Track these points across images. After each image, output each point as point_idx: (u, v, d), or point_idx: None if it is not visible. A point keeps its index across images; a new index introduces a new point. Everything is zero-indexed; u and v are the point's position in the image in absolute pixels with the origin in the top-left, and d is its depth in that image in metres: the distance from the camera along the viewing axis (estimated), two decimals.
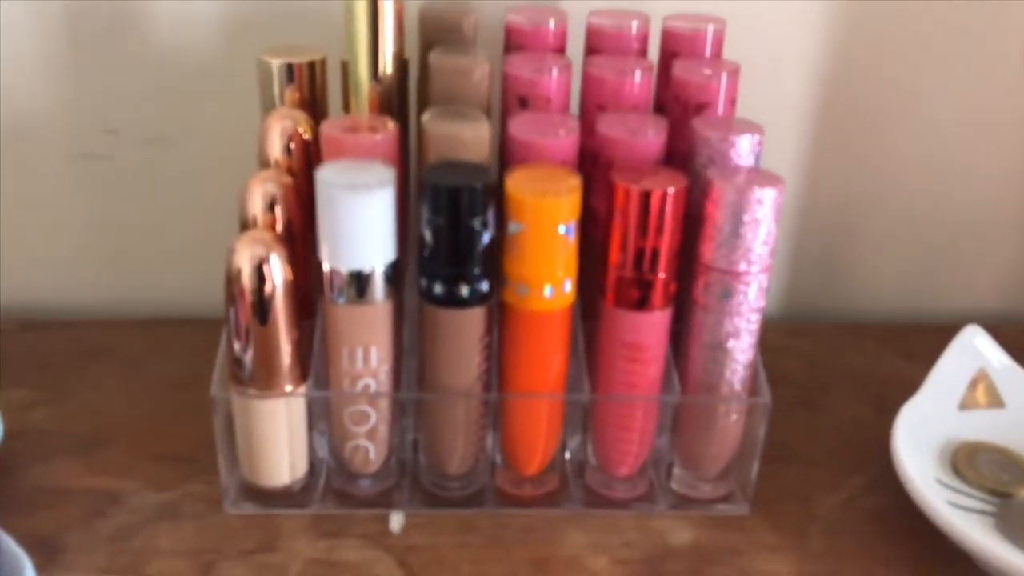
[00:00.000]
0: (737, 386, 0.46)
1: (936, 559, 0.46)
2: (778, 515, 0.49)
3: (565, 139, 0.45)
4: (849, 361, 0.63)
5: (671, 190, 0.42)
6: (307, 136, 0.48)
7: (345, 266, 0.43)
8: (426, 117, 0.45)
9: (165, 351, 0.59)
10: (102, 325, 0.62)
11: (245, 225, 0.46)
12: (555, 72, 0.48)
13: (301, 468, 0.47)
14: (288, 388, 0.45)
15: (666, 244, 0.43)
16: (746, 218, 0.43)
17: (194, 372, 0.56)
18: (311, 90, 0.52)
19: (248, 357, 0.44)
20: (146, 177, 0.62)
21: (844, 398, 0.58)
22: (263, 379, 0.44)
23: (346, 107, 0.53)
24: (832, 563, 0.46)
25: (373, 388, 0.45)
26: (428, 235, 0.43)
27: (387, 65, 0.48)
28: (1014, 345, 0.56)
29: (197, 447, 0.51)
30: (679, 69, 0.49)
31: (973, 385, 0.53)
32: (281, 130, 0.48)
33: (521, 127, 0.45)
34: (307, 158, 0.49)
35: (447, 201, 0.42)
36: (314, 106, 0.52)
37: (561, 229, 0.42)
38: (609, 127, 0.46)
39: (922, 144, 0.65)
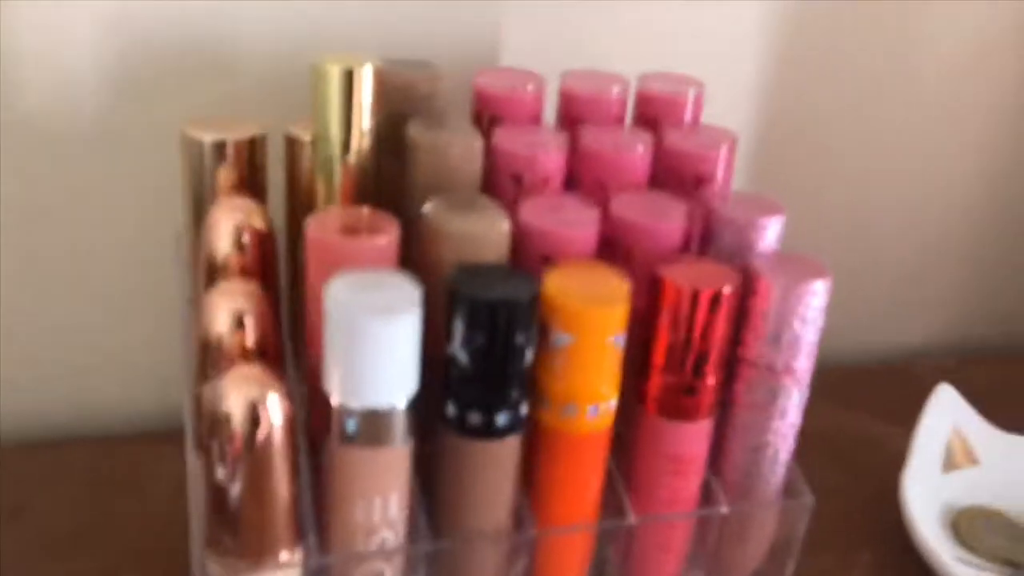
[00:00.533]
0: (776, 486, 0.43)
1: None
2: None
3: (589, 228, 0.39)
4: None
5: (727, 289, 0.38)
6: (263, 230, 0.40)
7: (361, 402, 0.35)
8: (431, 210, 0.38)
9: (50, 492, 0.48)
10: None
11: (205, 348, 0.37)
12: (554, 147, 0.42)
13: None
14: (285, 555, 0.36)
15: (718, 346, 0.39)
16: (799, 314, 0.39)
17: (97, 514, 0.46)
18: (251, 172, 0.43)
19: (238, 522, 0.35)
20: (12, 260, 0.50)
21: (818, 466, 0.57)
22: (256, 546, 0.35)
23: (292, 190, 0.45)
24: None
25: (390, 542, 0.37)
26: (463, 357, 0.35)
27: (363, 142, 0.40)
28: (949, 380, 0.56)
29: None
30: (673, 140, 0.45)
31: (951, 447, 0.53)
32: (232, 224, 0.39)
33: (535, 215, 0.39)
34: (263, 257, 0.40)
35: (489, 317, 0.35)
36: (254, 189, 0.43)
37: (612, 340, 0.37)
38: (627, 211, 0.41)
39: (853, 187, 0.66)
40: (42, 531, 0.45)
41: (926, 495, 0.49)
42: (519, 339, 0.35)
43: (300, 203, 0.44)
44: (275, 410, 0.34)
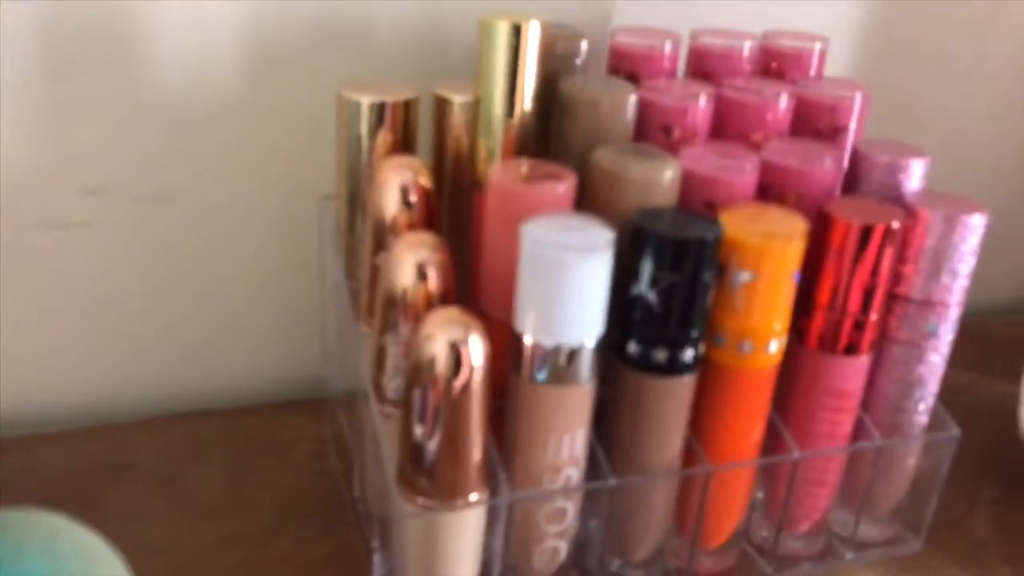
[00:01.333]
0: (924, 420, 0.44)
1: None
2: (946, 546, 0.47)
3: (750, 174, 0.40)
4: None
5: (895, 224, 0.39)
6: (428, 186, 0.41)
7: (554, 340, 0.36)
8: (606, 157, 0.39)
9: (196, 458, 0.48)
10: (107, 432, 0.49)
11: (391, 300, 0.38)
12: (702, 100, 0.43)
13: None
14: (475, 495, 0.37)
15: (884, 282, 0.40)
16: (958, 247, 0.40)
17: (241, 481, 0.47)
18: (405, 133, 0.44)
19: (435, 462, 0.36)
20: (140, 244, 0.51)
21: None
22: (451, 487, 0.36)
23: (439, 148, 0.45)
24: None
25: (575, 479, 0.38)
26: (652, 295, 0.37)
27: (527, 100, 0.41)
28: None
29: None
30: (809, 90, 0.46)
31: None
32: (400, 182, 0.40)
33: (696, 162, 0.40)
34: (428, 211, 0.41)
35: (678, 256, 0.36)
36: (407, 150, 0.44)
37: (791, 275, 0.38)
38: (779, 156, 0.42)
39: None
40: (195, 497, 0.46)
41: None
42: (705, 276, 0.37)
43: (449, 163, 0.45)
44: (477, 351, 0.35)
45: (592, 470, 0.39)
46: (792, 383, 0.42)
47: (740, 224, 0.37)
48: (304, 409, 0.52)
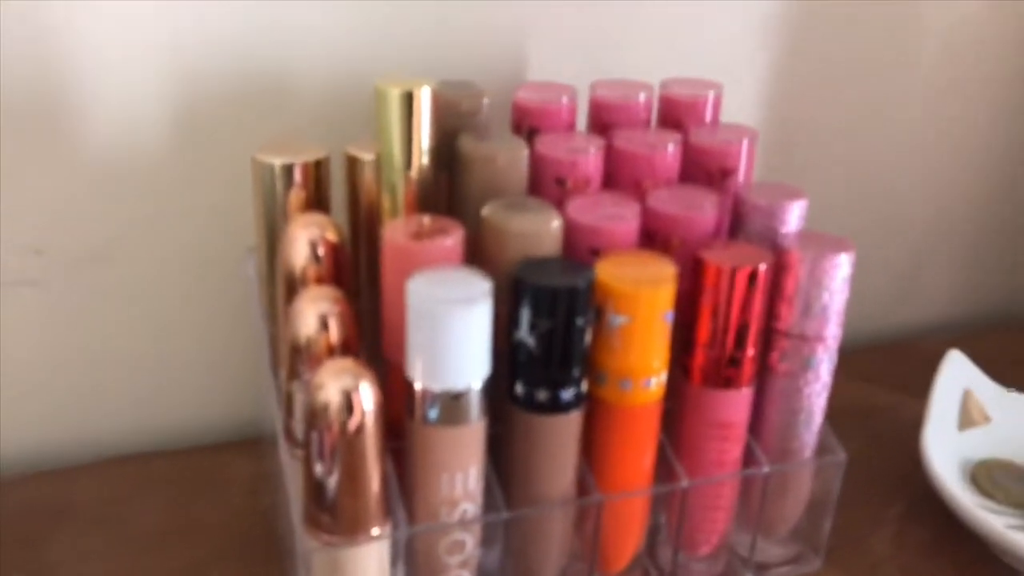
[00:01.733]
0: (811, 446, 0.47)
1: None
2: (845, 563, 0.50)
3: (632, 222, 0.43)
4: None
5: (762, 266, 0.42)
6: (336, 242, 0.44)
7: (441, 385, 0.39)
8: (492, 212, 0.42)
9: (135, 499, 0.51)
10: (50, 477, 0.53)
11: (296, 349, 0.41)
12: (593, 151, 0.46)
13: None
14: (376, 530, 0.40)
15: (755, 320, 0.43)
16: (827, 285, 0.43)
17: (179, 520, 0.49)
18: (317, 191, 0.47)
19: (335, 501, 0.39)
20: (83, 299, 0.54)
21: (843, 435, 0.60)
22: (351, 522, 0.39)
23: (354, 204, 0.49)
24: None
25: (471, 512, 0.41)
26: (531, 340, 0.40)
27: (423, 157, 0.44)
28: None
29: None
30: (698, 137, 0.49)
31: (965, 406, 0.57)
32: (308, 237, 0.43)
33: (581, 212, 0.43)
34: (337, 265, 0.44)
35: (553, 303, 0.39)
36: (319, 206, 0.47)
37: (663, 317, 0.41)
38: (662, 204, 0.45)
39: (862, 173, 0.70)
40: (133, 534, 0.49)
41: (945, 451, 0.53)
42: (580, 321, 0.40)
43: (363, 217, 0.48)
44: (367, 397, 0.38)
45: (491, 503, 0.42)
46: (681, 416, 0.45)
47: (615, 271, 0.40)
48: (245, 449, 0.55)
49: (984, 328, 0.78)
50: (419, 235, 0.41)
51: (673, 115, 0.52)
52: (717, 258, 0.42)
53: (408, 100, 0.43)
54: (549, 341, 0.39)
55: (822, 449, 0.47)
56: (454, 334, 0.38)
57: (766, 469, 0.46)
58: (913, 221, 0.74)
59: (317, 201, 0.47)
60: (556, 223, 0.42)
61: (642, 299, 0.40)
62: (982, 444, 0.56)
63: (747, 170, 0.49)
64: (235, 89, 0.52)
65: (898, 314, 0.76)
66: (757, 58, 0.63)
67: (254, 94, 0.52)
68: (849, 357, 0.70)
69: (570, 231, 0.43)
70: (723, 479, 0.45)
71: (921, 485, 0.52)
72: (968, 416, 0.57)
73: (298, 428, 0.42)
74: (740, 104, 0.63)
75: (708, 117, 0.52)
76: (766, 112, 0.65)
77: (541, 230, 0.42)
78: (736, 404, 0.44)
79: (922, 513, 0.53)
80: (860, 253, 0.72)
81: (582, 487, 0.43)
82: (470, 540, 0.42)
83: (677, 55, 0.60)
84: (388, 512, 0.41)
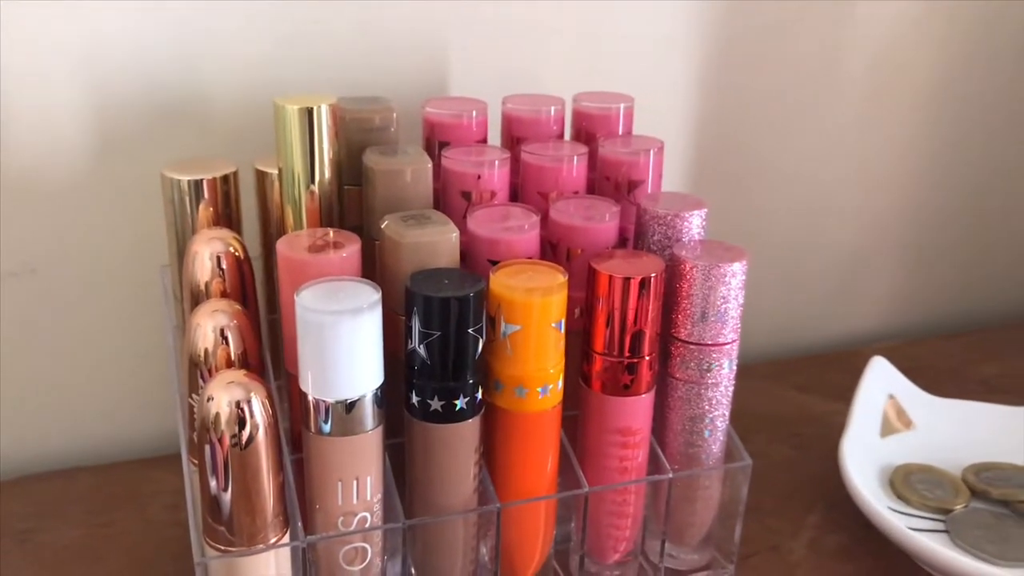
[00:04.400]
0: (717, 452, 0.47)
1: None
2: (761, 571, 0.50)
3: (530, 232, 0.44)
4: (751, 402, 0.66)
5: (654, 274, 0.42)
6: (239, 255, 0.45)
7: (334, 396, 0.39)
8: (389, 225, 0.43)
9: (55, 514, 0.52)
10: None
11: (195, 364, 0.42)
12: (497, 164, 0.47)
13: None
14: (274, 539, 0.41)
15: (650, 326, 0.43)
16: (721, 292, 0.44)
17: (101, 535, 0.50)
18: (226, 205, 0.48)
19: (230, 510, 0.39)
20: (9, 314, 0.54)
21: (764, 441, 0.61)
22: (248, 532, 0.40)
23: (264, 218, 0.49)
24: None
25: (369, 521, 0.42)
26: (422, 350, 0.40)
27: (325, 172, 0.45)
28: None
29: None
30: (606, 149, 0.50)
31: (887, 412, 0.58)
32: (211, 252, 0.44)
33: (481, 225, 0.44)
34: (241, 279, 0.45)
35: (442, 313, 0.40)
36: (229, 221, 0.48)
37: (554, 325, 0.41)
38: (563, 215, 0.46)
39: (797, 185, 0.71)
40: (50, 550, 0.49)
41: (864, 458, 0.54)
42: (470, 330, 0.40)
43: (273, 230, 0.49)
44: (258, 409, 0.38)
45: (392, 512, 0.43)
46: (583, 423, 0.45)
47: (507, 280, 0.41)
48: (168, 463, 0.56)
49: (922, 333, 0.79)
50: (314, 248, 0.42)
51: (586, 128, 0.53)
52: (611, 267, 0.43)
53: (308, 116, 0.44)
54: (441, 350, 0.40)
55: (729, 454, 0.48)
56: (341, 344, 0.39)
57: (670, 475, 0.46)
58: (848, 228, 0.74)
59: (227, 216, 0.48)
60: (453, 235, 0.43)
61: (533, 307, 0.41)
62: (903, 450, 0.56)
63: (655, 181, 0.50)
64: (149, 104, 0.53)
65: (835, 324, 0.77)
66: (678, 68, 0.64)
67: (167, 108, 0.53)
68: (786, 366, 0.71)
69: (469, 243, 0.44)
70: (624, 485, 0.46)
71: (841, 491, 0.53)
72: (890, 422, 0.57)
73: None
74: (665, 117, 0.64)
75: (620, 129, 0.53)
76: (696, 123, 0.66)
77: (437, 241, 0.42)
78: (635, 410, 0.45)
79: (840, 519, 0.53)
80: (796, 262, 0.73)
81: (484, 496, 0.44)
82: (371, 549, 0.42)
83: (594, 68, 0.61)
84: (287, 523, 0.41)
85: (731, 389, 0.46)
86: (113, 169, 0.54)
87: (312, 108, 0.44)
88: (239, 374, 0.39)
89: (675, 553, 0.49)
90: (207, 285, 0.44)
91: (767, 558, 0.51)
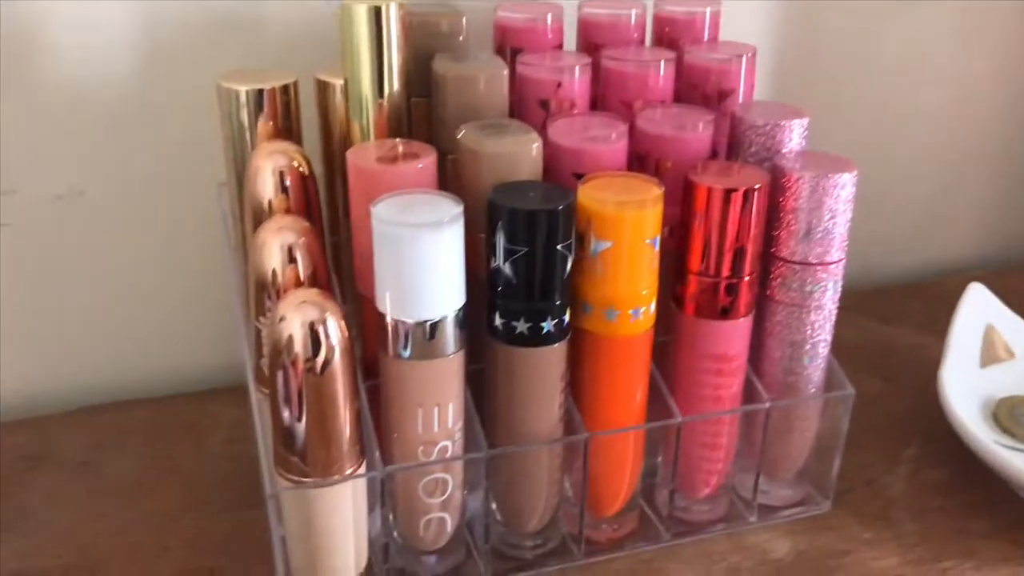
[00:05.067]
0: (817, 381, 0.44)
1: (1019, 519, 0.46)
2: (857, 506, 0.47)
3: (618, 143, 0.41)
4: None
5: (758, 185, 0.39)
6: (304, 171, 0.41)
7: (414, 316, 0.36)
8: (467, 135, 0.39)
9: (112, 446, 0.50)
10: (27, 426, 0.51)
11: (261, 284, 0.39)
12: (577, 71, 0.43)
13: (365, 557, 0.41)
14: (349, 469, 0.38)
15: (753, 244, 0.40)
16: (829, 207, 0.40)
17: (158, 467, 0.48)
18: (286, 118, 0.45)
19: (305, 441, 0.37)
20: (57, 240, 0.52)
21: (850, 373, 0.57)
22: (324, 462, 0.37)
23: (326, 132, 0.46)
24: (932, 546, 0.45)
25: (450, 451, 0.39)
26: (507, 268, 0.37)
27: (394, 79, 0.41)
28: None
29: (211, 556, 0.43)
30: (693, 56, 0.46)
31: (986, 342, 0.54)
32: (273, 167, 0.41)
33: (564, 135, 0.40)
34: (306, 196, 0.42)
35: (529, 227, 0.36)
36: (290, 135, 0.45)
37: (649, 242, 0.38)
38: (652, 124, 0.42)
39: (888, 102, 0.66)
40: (109, 482, 0.47)
41: (965, 389, 0.50)
42: (559, 246, 0.37)
43: (335, 144, 0.45)
44: (333, 329, 0.36)
45: (473, 441, 0.40)
46: (674, 349, 0.42)
47: (597, 194, 0.38)
48: (225, 396, 0.53)
49: (1012, 265, 0.74)
50: (388, 159, 0.39)
51: (668, 34, 0.49)
52: (709, 179, 0.39)
53: (376, 17, 0.40)
54: (527, 268, 0.37)
55: (829, 384, 0.45)
56: (422, 261, 0.35)
57: (767, 405, 0.43)
58: (938, 154, 0.70)
59: (287, 131, 0.45)
60: (535, 145, 0.39)
61: (626, 222, 0.37)
62: (1005, 381, 0.53)
63: (747, 90, 0.46)
64: (199, 11, 0.49)
65: (922, 252, 0.73)
66: None
67: (222, 17, 0.50)
68: (870, 296, 0.67)
69: (551, 155, 0.40)
70: (720, 415, 0.43)
71: (939, 424, 0.49)
72: (991, 352, 0.54)
73: (265, 367, 0.40)
74: (749, 24, 0.60)
75: (706, 36, 0.49)
76: (774, 33, 0.61)
77: (519, 152, 0.39)
78: (733, 335, 0.41)
79: (939, 452, 0.50)
80: (884, 189, 0.69)
81: (570, 425, 0.41)
82: (451, 480, 0.40)
83: None
84: (363, 453, 0.39)
85: (835, 313, 0.43)
86: (163, 83, 0.50)
87: (380, 7, 0.40)
88: (312, 293, 0.36)
89: (767, 488, 0.46)
90: (270, 203, 0.41)
91: (862, 494, 0.48)
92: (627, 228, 0.37)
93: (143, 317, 0.55)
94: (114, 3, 0.48)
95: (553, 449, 0.41)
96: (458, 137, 0.40)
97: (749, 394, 0.44)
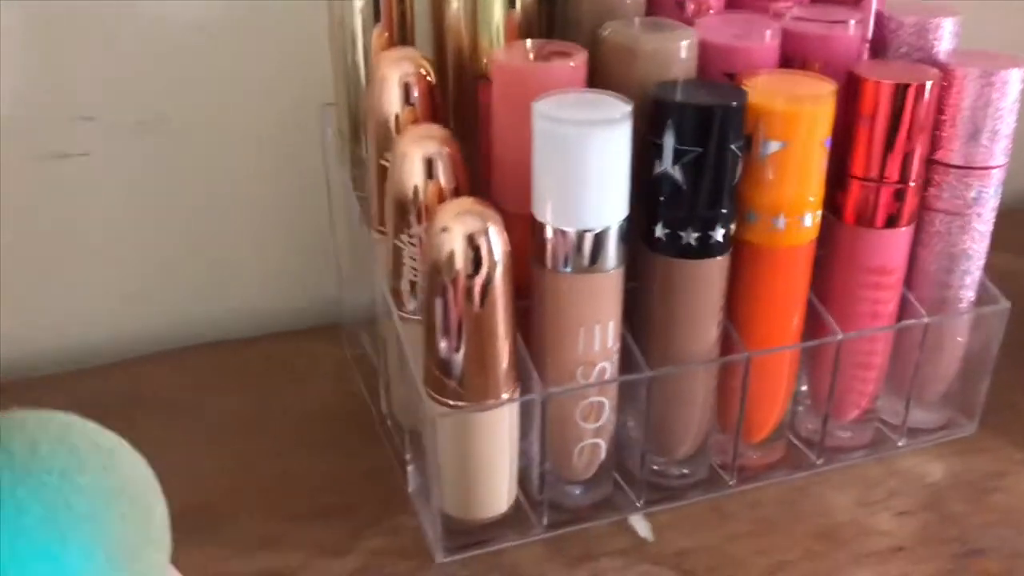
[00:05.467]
0: (971, 296, 0.42)
1: None
2: (1002, 427, 0.45)
3: (772, 41, 0.38)
4: None
5: (929, 81, 0.36)
6: (432, 79, 0.39)
7: (576, 226, 0.34)
8: (616, 31, 0.36)
9: (213, 387, 0.47)
10: (116, 370, 0.48)
11: (402, 200, 0.36)
12: None
13: (514, 488, 0.38)
14: (506, 392, 0.35)
15: (921, 146, 0.37)
16: (997, 104, 0.38)
17: (263, 405, 0.45)
18: (401, 28, 0.42)
19: (463, 361, 0.34)
20: (140, 171, 0.49)
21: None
22: (482, 387, 0.35)
23: (439, 40, 0.43)
24: None
25: (608, 372, 0.37)
26: (676, 172, 0.34)
27: None
28: None
29: (340, 493, 0.40)
30: None
31: None
32: (400, 77, 0.38)
33: (712, 32, 0.38)
34: (433, 106, 0.39)
35: (702, 125, 0.34)
36: (404, 43, 0.42)
37: (823, 142, 0.36)
38: (798, 23, 0.39)
39: None
40: (211, 422, 0.45)
41: None
42: (734, 146, 0.34)
43: (453, 55, 0.42)
44: (496, 242, 0.33)
45: (626, 363, 0.37)
46: (830, 262, 0.40)
47: (765, 91, 0.35)
48: (323, 335, 0.50)
49: None
50: (537, 58, 0.36)
51: None
52: (876, 74, 0.37)
53: None
54: (698, 171, 0.34)
55: (981, 299, 0.42)
56: (592, 163, 0.33)
57: (926, 320, 0.41)
58: None
59: (402, 42, 0.42)
60: (689, 42, 0.36)
61: (801, 120, 0.35)
62: None
63: None
64: None
65: None
66: None
67: None
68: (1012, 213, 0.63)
69: (702, 52, 0.37)
70: (880, 331, 0.40)
71: None
72: None
73: (405, 289, 0.38)
74: None
75: None
76: None
77: (673, 49, 0.36)
78: (895, 246, 0.39)
79: None
80: None
81: (725, 344, 0.39)
82: (608, 403, 0.37)
83: None
84: (518, 375, 0.36)
85: (993, 222, 0.41)
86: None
87: None
88: (471, 203, 0.34)
89: (912, 411, 0.44)
90: (397, 117, 0.38)
91: (1006, 416, 0.46)
92: (802, 127, 0.35)
93: (230, 251, 0.52)
94: None
95: (709, 370, 0.38)
96: (604, 34, 0.37)
97: (901, 310, 0.41)
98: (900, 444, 0.43)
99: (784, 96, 0.35)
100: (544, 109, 0.33)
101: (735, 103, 0.34)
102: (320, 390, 0.47)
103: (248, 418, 0.45)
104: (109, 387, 0.46)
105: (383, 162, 0.39)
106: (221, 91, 0.48)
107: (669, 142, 0.34)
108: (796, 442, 0.43)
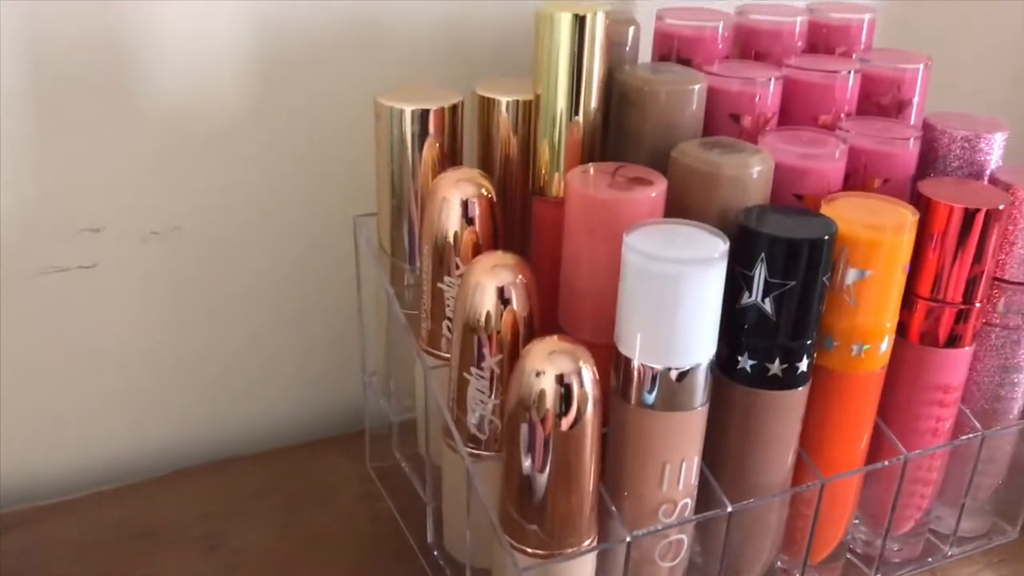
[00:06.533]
0: (1018, 407, 0.42)
1: None
2: None
3: (839, 161, 0.37)
4: None
5: (1001, 205, 0.36)
6: (492, 198, 0.37)
7: (665, 363, 0.32)
8: (688, 153, 0.35)
9: (233, 513, 0.44)
10: (126, 495, 0.44)
11: (472, 330, 0.34)
12: (772, 82, 0.40)
13: None
14: (587, 538, 0.34)
15: (987, 268, 0.37)
16: None
17: (290, 537, 0.43)
18: (452, 141, 0.40)
19: (546, 505, 0.32)
20: (148, 282, 0.45)
21: None
22: (568, 533, 0.33)
23: (485, 152, 0.41)
24: None
25: (690, 508, 0.35)
26: (767, 304, 0.33)
27: (592, 97, 0.37)
28: None
29: None
30: (869, 64, 0.43)
31: None
32: (461, 197, 0.36)
33: (777, 152, 0.37)
34: (493, 227, 0.37)
35: (793, 258, 0.33)
36: (454, 158, 0.40)
37: (904, 269, 0.35)
38: (860, 138, 0.39)
39: None
40: (243, 555, 0.41)
41: None
42: (823, 278, 0.33)
43: (500, 167, 0.41)
44: (588, 383, 0.31)
45: (702, 495, 0.36)
46: (894, 381, 0.39)
47: (846, 218, 0.34)
48: (340, 445, 0.48)
49: None
50: (616, 185, 0.34)
51: (824, 40, 0.46)
52: (945, 196, 0.36)
53: (580, 26, 0.36)
54: (788, 303, 0.33)
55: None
56: (687, 302, 0.31)
57: (984, 433, 0.41)
58: None
59: (452, 154, 0.40)
60: (765, 164, 0.35)
61: (884, 248, 0.34)
62: None
63: (921, 101, 0.43)
64: (320, 32, 0.44)
65: None
66: None
67: (343, 37, 0.45)
68: None
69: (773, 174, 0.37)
70: (943, 448, 0.40)
71: None
72: None
73: (471, 421, 0.36)
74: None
75: (861, 43, 0.46)
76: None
77: (756, 172, 0.35)
78: (959, 364, 0.39)
79: None
80: None
81: (797, 471, 0.38)
82: (685, 540, 0.36)
83: None
84: (599, 517, 0.34)
85: None
86: (276, 109, 0.45)
87: (584, 16, 0.36)
88: (560, 342, 0.32)
89: (951, 519, 0.44)
90: (456, 236, 0.36)
91: None
92: (886, 254, 0.34)
93: (239, 364, 0.49)
94: (222, 16, 0.42)
95: (786, 498, 0.37)
96: (679, 157, 0.36)
97: (957, 424, 0.41)
98: (949, 554, 0.43)
99: (866, 224, 0.34)
100: (637, 243, 0.31)
101: (827, 236, 0.33)
102: (348, 513, 0.44)
103: (277, 553, 0.42)
104: (115, 516, 0.43)
105: (441, 285, 0.37)
106: (232, 197, 0.46)
107: (760, 274, 0.33)
108: (852, 558, 0.42)
